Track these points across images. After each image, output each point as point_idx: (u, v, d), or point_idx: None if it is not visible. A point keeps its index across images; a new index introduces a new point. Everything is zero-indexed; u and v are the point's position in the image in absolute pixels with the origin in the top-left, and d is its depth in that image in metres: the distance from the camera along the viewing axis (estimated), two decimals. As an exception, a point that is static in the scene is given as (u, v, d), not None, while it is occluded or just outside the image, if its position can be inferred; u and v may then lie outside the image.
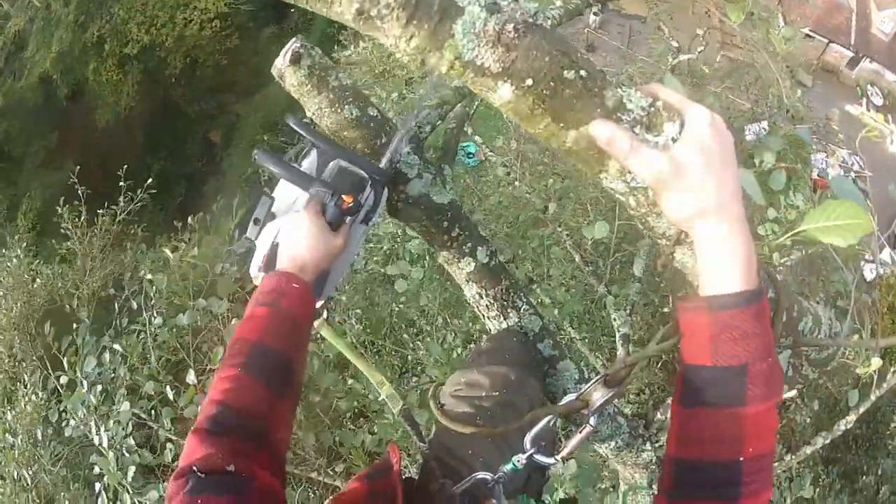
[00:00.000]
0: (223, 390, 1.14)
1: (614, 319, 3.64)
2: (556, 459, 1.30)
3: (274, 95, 26.57)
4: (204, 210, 7.07)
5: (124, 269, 10.15)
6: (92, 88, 28.96)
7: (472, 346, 4.85)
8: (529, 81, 0.87)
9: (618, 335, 3.58)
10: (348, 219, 1.40)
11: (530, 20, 0.84)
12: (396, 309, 5.66)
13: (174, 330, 4.93)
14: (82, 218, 10.12)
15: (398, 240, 5.44)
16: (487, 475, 1.34)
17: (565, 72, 0.88)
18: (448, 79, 0.89)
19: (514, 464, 1.31)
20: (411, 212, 1.56)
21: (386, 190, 1.47)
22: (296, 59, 1.40)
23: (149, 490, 4.16)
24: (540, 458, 1.29)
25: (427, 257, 5.01)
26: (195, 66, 27.51)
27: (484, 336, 1.89)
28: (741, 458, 0.95)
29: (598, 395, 1.21)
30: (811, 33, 28.39)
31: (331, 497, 1.34)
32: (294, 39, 1.43)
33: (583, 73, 0.89)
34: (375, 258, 6.01)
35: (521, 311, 1.82)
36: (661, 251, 1.11)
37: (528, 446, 1.30)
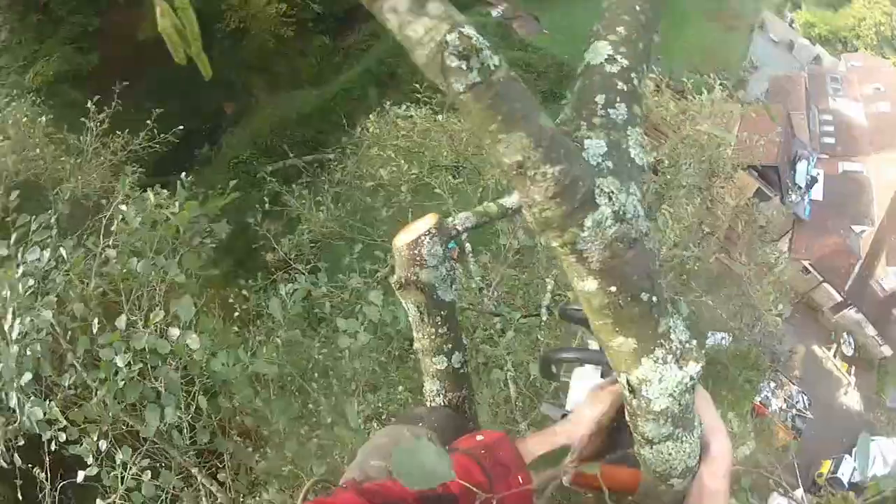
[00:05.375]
0: None
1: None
2: None
3: (294, 105, 26.75)
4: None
5: (108, 187, 10.13)
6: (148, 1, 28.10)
7: (375, 423, 4.95)
8: (613, 288, 1.01)
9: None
10: None
11: (638, 236, 0.99)
12: (320, 356, 5.64)
13: (124, 269, 4.89)
14: (103, 126, 10.21)
15: (362, 299, 5.51)
16: None
17: (643, 293, 1.03)
18: (539, 236, 1.00)
19: None
20: (414, 295, 1.66)
21: None
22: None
23: (36, 405, 4.07)
24: None
25: (378, 330, 5.11)
26: (244, 34, 27.04)
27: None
28: None
29: None
30: (810, 267, 29.02)
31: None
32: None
33: (654, 298, 1.05)
34: (330, 301, 6.09)
35: (467, 418, 1.90)
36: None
37: None
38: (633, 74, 1.12)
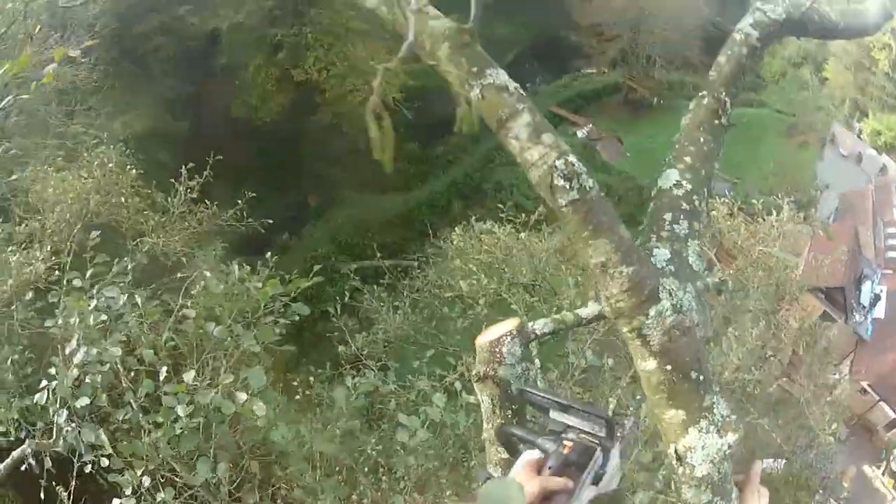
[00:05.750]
0: None
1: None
2: None
3: (379, 208, 27.35)
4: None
5: (187, 251, 10.56)
6: (244, 80, 28.18)
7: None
8: (669, 367, 1.27)
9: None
10: (584, 478, 1.44)
11: (690, 325, 1.24)
12: (374, 451, 5.78)
13: (200, 330, 5.14)
14: (192, 194, 10.75)
15: (427, 400, 5.70)
16: None
17: (692, 372, 1.28)
18: (618, 329, 1.31)
19: None
20: (490, 388, 1.89)
21: (616, 455, 1.46)
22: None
23: (89, 431, 4.31)
24: None
25: (437, 432, 5.33)
26: (336, 130, 27.07)
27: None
28: None
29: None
30: (868, 388, 27.96)
31: None
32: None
33: (701, 377, 1.30)
34: (396, 399, 6.31)
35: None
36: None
37: None
38: (695, 196, 1.40)
